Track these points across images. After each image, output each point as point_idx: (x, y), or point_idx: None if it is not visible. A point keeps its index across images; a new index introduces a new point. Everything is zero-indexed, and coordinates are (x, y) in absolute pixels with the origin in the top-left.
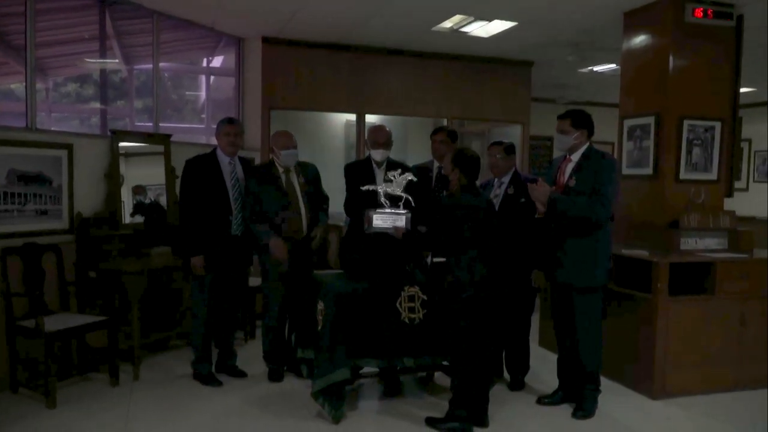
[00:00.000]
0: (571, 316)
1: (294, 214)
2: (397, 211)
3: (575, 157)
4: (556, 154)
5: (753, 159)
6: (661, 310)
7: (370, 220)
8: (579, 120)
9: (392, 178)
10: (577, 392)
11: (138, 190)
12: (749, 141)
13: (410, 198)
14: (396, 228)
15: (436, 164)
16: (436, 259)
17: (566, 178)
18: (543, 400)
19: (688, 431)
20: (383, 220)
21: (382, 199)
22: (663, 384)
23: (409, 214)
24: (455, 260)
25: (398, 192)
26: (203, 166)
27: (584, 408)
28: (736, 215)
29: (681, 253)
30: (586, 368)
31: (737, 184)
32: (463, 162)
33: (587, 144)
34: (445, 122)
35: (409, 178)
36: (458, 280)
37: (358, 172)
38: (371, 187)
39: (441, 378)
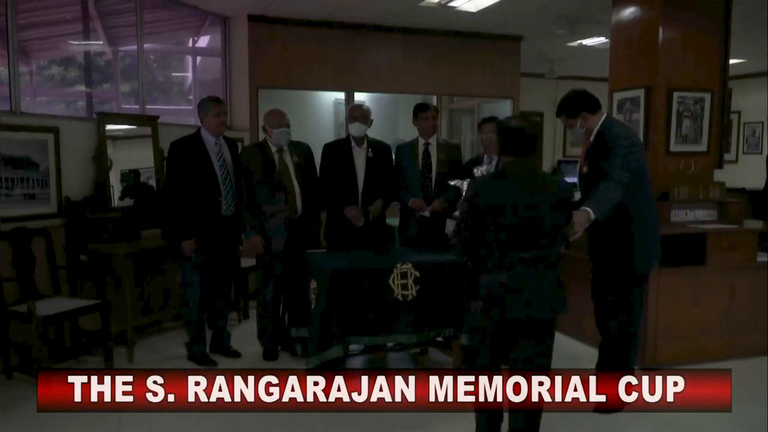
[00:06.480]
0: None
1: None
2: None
3: (593, 138)
4: (555, 134)
5: (743, 131)
6: (653, 282)
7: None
8: (570, 108)
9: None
10: None
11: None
12: (738, 113)
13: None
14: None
15: (421, 142)
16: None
17: (581, 165)
18: None
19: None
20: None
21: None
22: (654, 355)
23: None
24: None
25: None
26: (189, 148)
27: None
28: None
29: (672, 225)
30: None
31: (727, 156)
32: None
33: (601, 120)
34: (434, 99)
35: None
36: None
37: (337, 151)
38: (456, 183)
39: (434, 353)
